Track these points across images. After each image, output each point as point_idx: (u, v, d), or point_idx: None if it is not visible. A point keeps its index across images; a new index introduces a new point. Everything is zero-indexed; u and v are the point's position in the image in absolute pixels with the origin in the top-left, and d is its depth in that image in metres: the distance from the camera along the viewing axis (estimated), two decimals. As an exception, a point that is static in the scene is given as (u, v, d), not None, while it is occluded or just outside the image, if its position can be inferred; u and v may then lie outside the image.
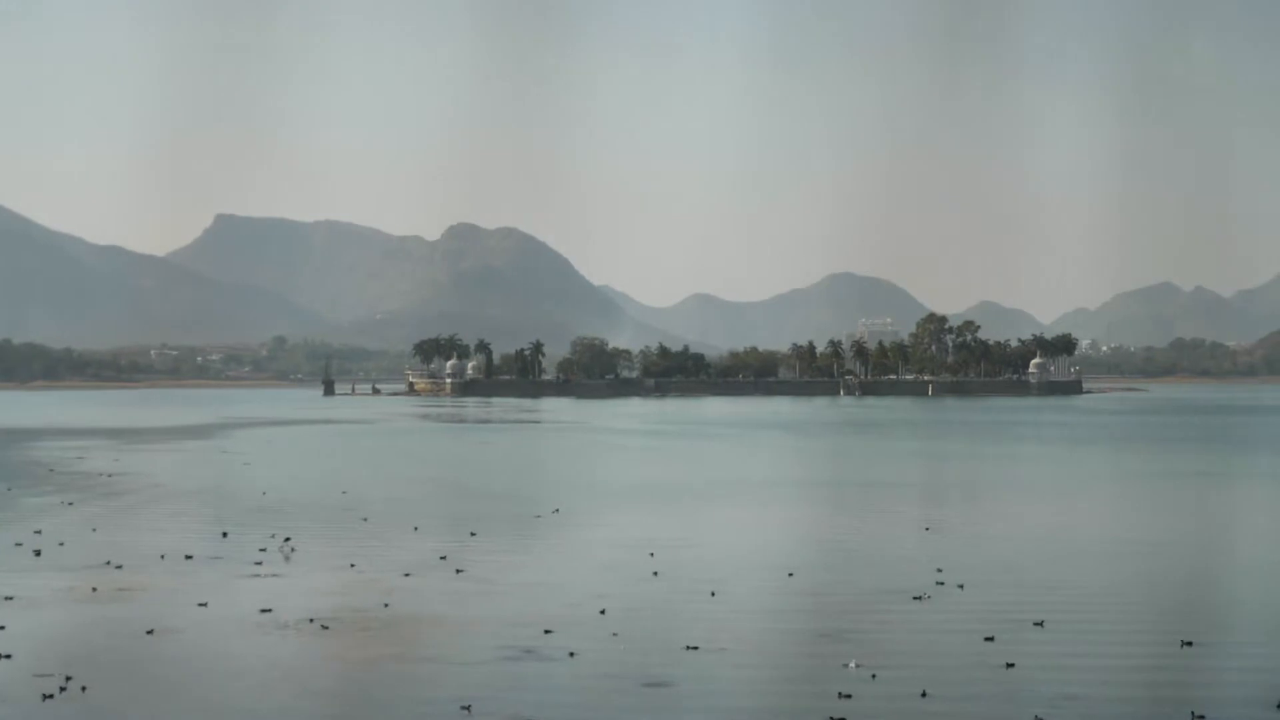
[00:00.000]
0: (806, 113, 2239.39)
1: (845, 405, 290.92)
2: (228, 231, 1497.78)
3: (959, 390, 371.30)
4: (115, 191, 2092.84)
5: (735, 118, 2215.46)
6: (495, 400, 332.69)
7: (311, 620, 39.44)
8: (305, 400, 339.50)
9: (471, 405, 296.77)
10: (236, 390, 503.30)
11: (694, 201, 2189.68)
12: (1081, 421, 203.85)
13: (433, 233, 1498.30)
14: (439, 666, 33.87)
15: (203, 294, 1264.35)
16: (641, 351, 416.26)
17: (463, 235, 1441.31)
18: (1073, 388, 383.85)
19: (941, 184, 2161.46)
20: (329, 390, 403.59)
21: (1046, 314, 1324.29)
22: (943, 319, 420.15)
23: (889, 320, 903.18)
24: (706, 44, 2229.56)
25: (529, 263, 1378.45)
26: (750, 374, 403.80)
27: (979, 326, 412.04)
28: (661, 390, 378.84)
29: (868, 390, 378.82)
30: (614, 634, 37.61)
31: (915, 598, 43.23)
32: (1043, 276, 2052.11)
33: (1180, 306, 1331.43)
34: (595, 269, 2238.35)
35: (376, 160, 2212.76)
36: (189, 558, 52.78)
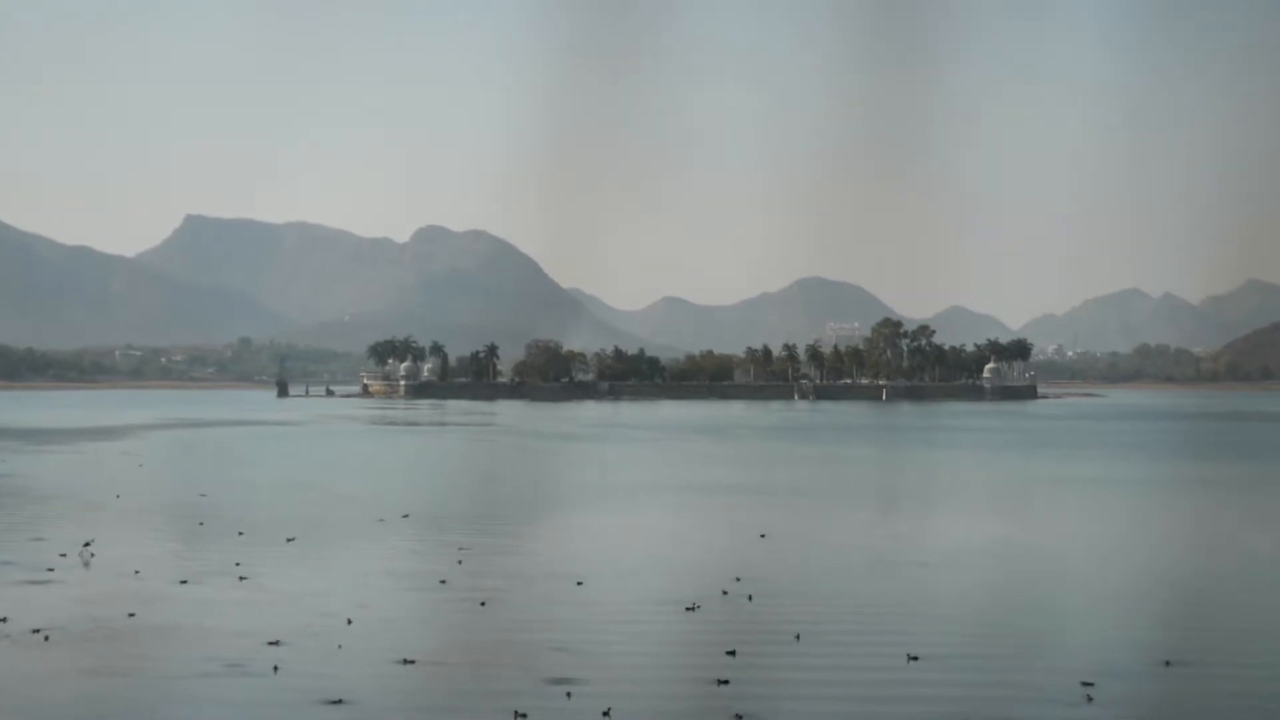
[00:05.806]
0: (779, 117, 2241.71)
1: (796, 409, 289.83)
2: (197, 232, 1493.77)
3: (913, 395, 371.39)
4: (85, 192, 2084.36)
5: (709, 122, 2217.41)
6: (449, 403, 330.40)
7: (38, 631, 37.73)
8: (257, 402, 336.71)
9: (423, 408, 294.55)
10: (195, 391, 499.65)
11: (665, 204, 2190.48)
12: (1017, 426, 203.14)
13: (402, 235, 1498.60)
14: (122, 682, 32.15)
15: (172, 295, 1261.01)
16: (596, 354, 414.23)
17: (432, 238, 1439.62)
18: (1026, 393, 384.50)
19: (912, 189, 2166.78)
20: (283, 392, 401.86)
21: (1015, 320, 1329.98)
22: (898, 324, 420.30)
23: (857, 325, 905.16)
24: (692, 48, 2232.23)
25: (498, 265, 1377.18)
26: (705, 378, 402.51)
27: (934, 331, 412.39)
28: (616, 394, 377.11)
29: (822, 394, 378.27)
30: (339, 646, 36.06)
31: (687, 608, 41.68)
32: (1012, 282, 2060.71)
33: (1148, 313, 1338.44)
34: (564, 272, 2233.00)
35: (347, 162, 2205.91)
36: (-24, 563, 51.06)
